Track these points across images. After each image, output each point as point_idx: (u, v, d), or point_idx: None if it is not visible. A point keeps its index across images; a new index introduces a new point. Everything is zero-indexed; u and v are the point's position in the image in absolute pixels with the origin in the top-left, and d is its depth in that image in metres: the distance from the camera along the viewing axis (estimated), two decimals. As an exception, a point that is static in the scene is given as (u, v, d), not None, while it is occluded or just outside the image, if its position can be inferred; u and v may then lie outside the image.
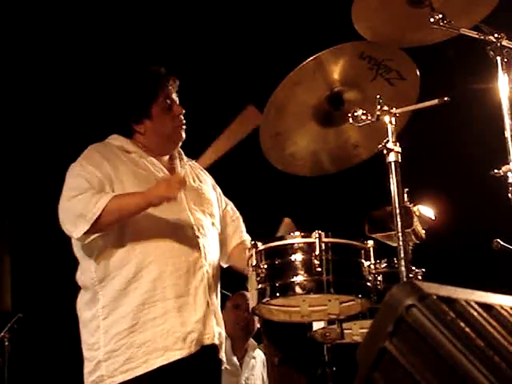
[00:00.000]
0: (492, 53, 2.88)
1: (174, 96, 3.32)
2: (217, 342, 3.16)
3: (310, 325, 3.39)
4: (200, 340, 3.09)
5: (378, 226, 3.18)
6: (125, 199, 3.09)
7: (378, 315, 1.74)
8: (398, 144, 2.83)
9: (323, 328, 3.37)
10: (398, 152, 2.82)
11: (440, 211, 3.36)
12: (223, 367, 3.32)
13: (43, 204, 6.21)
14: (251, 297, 2.95)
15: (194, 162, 3.44)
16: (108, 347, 3.06)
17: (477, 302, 1.75)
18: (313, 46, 3.06)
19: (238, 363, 5.41)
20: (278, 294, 2.87)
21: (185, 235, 3.16)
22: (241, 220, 3.54)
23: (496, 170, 2.84)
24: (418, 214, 3.19)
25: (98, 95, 4.58)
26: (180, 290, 3.10)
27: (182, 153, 3.41)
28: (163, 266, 3.10)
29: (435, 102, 2.84)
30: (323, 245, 2.84)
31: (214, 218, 3.33)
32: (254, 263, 2.89)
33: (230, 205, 3.54)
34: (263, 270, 2.86)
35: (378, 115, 2.89)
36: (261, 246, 2.91)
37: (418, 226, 3.19)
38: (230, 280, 3.57)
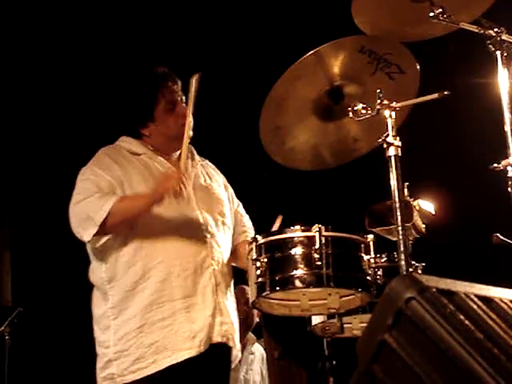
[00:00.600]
0: (492, 47, 2.88)
1: (177, 96, 3.31)
2: (224, 340, 3.17)
3: (310, 319, 3.40)
4: (209, 339, 3.09)
5: (378, 220, 3.19)
6: (130, 200, 3.12)
7: (377, 308, 1.75)
8: (397, 138, 2.83)
9: (323, 322, 3.37)
10: (397, 146, 2.82)
11: (440, 205, 3.36)
12: (233, 365, 3.33)
13: (43, 199, 6.24)
14: (251, 290, 2.95)
15: (206, 161, 3.45)
16: (118, 347, 3.09)
17: (476, 295, 1.76)
18: (313, 40, 3.06)
19: None
20: (277, 288, 2.87)
21: (193, 235, 3.16)
22: (249, 220, 3.54)
23: (496, 165, 2.85)
24: (418, 208, 3.19)
25: (101, 98, 4.60)
26: (188, 290, 3.11)
27: (194, 152, 3.41)
28: (171, 266, 3.11)
29: (435, 96, 2.84)
30: (323, 239, 2.84)
31: (225, 217, 3.33)
32: (254, 257, 2.89)
33: (241, 205, 3.54)
34: (263, 264, 2.86)
35: (378, 109, 2.89)
36: (261, 239, 2.92)
37: (418, 220, 3.19)
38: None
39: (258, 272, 2.86)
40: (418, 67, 3.17)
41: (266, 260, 2.87)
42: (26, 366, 6.18)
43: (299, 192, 5.75)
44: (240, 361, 5.38)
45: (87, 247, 3.23)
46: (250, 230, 3.47)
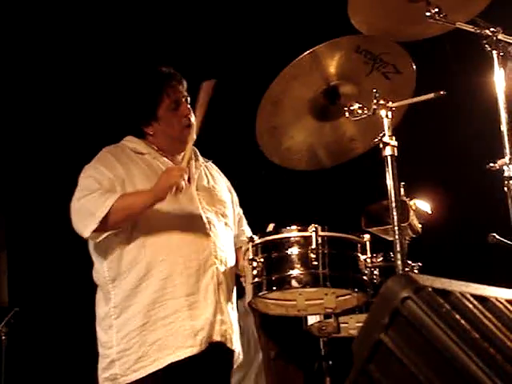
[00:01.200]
0: (488, 47, 2.88)
1: (181, 96, 3.32)
2: (223, 340, 3.16)
3: (306, 319, 3.40)
4: (209, 337, 3.10)
5: (374, 220, 3.19)
6: (132, 197, 3.13)
7: (373, 307, 1.75)
8: (394, 138, 2.83)
9: (319, 322, 3.37)
10: (394, 146, 2.82)
11: (436, 205, 3.37)
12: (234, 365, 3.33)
13: (40, 199, 6.22)
14: (247, 291, 2.95)
15: (210, 162, 3.46)
16: (120, 346, 3.10)
17: (472, 295, 1.76)
18: (309, 39, 3.06)
19: None
20: (274, 288, 2.88)
21: (196, 234, 3.17)
22: (248, 226, 3.54)
23: (492, 164, 2.85)
24: (414, 208, 3.19)
25: (106, 96, 4.59)
26: (190, 288, 3.12)
27: (198, 153, 3.41)
28: (173, 264, 3.11)
29: (431, 95, 2.84)
30: (320, 238, 2.85)
31: (227, 219, 3.33)
32: (251, 257, 2.89)
33: (241, 210, 3.55)
34: (259, 264, 2.86)
35: (375, 109, 2.89)
36: (257, 239, 2.92)
37: (414, 220, 3.19)
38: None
39: (255, 272, 2.87)
40: (414, 67, 3.17)
41: (262, 260, 2.87)
42: (23, 366, 6.16)
43: (296, 192, 5.74)
44: None
45: (89, 247, 3.24)
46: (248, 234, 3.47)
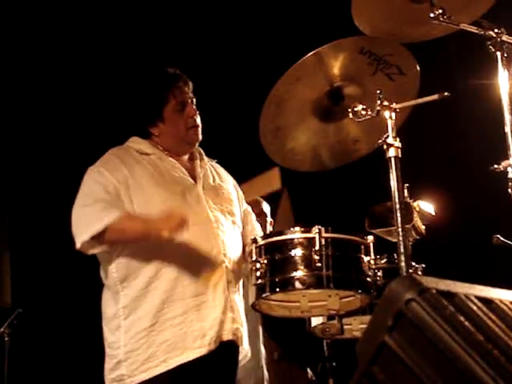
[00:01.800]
0: (492, 48, 2.88)
1: (187, 97, 3.32)
2: (234, 338, 3.16)
3: (310, 320, 3.39)
4: (219, 337, 3.09)
5: (378, 222, 3.19)
6: (129, 222, 3.10)
7: (377, 309, 1.75)
8: (397, 139, 2.83)
9: (323, 323, 3.37)
10: (397, 147, 2.82)
11: (440, 206, 3.36)
12: (242, 362, 3.33)
13: (43, 200, 6.23)
14: (251, 292, 2.95)
15: (215, 162, 3.46)
16: (128, 346, 3.08)
17: (476, 296, 1.75)
18: (313, 41, 3.06)
19: None
20: (277, 289, 2.87)
21: (204, 233, 3.16)
22: (257, 222, 3.54)
23: (496, 166, 2.85)
24: (418, 209, 3.19)
25: (112, 97, 4.60)
26: (199, 288, 3.11)
27: (203, 153, 3.41)
28: (182, 264, 3.10)
29: (435, 97, 2.84)
30: (323, 240, 2.84)
31: (235, 217, 3.33)
32: (254, 258, 2.89)
33: (249, 207, 3.55)
34: (263, 265, 2.86)
35: (378, 110, 2.89)
36: (260, 240, 2.92)
37: (417, 221, 3.19)
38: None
39: (258, 273, 2.86)
40: (418, 68, 3.17)
41: (265, 261, 2.86)
42: (26, 367, 6.16)
43: (299, 193, 5.74)
44: None
45: None
46: (259, 232, 3.47)
